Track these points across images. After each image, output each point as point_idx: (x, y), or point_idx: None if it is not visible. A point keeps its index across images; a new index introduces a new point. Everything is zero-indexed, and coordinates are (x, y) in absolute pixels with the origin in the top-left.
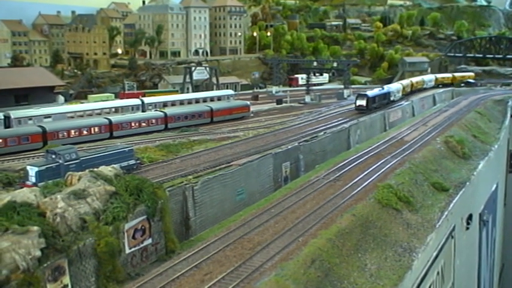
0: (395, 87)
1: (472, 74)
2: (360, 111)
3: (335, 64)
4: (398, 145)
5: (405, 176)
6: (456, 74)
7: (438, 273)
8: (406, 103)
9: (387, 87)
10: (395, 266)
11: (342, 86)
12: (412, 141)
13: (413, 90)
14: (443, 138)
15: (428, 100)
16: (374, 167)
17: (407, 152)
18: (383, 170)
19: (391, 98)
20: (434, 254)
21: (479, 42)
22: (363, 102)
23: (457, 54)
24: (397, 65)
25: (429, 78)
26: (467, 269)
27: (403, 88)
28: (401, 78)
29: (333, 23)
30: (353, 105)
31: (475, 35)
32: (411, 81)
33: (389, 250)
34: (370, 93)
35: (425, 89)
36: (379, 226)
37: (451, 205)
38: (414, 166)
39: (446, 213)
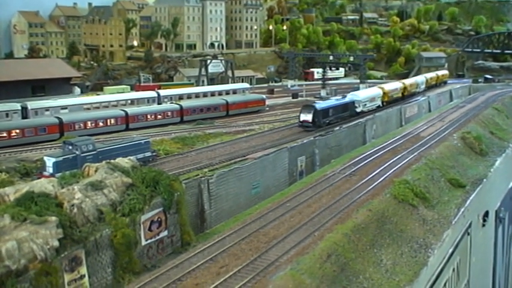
0: (365, 94)
1: (446, 72)
2: (305, 128)
3: (351, 58)
4: (414, 140)
5: (421, 171)
6: (439, 73)
7: (454, 270)
8: (423, 98)
9: (351, 95)
10: (411, 262)
11: (358, 81)
12: (428, 137)
13: (406, 95)
14: (460, 134)
15: (445, 96)
16: (390, 162)
17: (423, 148)
18: (399, 165)
19: (357, 109)
20: (450, 250)
21: (498, 37)
22: (308, 117)
23: (474, 50)
24: (414, 60)
25: (421, 79)
26: (483, 266)
27: (384, 94)
28: (418, 73)
29: (350, 17)
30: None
31: (494, 31)
32: (404, 83)
33: (405, 246)
34: (321, 104)
35: (417, 94)
36: (395, 222)
37: (468, 202)
38: (431, 162)
39: (462, 209)
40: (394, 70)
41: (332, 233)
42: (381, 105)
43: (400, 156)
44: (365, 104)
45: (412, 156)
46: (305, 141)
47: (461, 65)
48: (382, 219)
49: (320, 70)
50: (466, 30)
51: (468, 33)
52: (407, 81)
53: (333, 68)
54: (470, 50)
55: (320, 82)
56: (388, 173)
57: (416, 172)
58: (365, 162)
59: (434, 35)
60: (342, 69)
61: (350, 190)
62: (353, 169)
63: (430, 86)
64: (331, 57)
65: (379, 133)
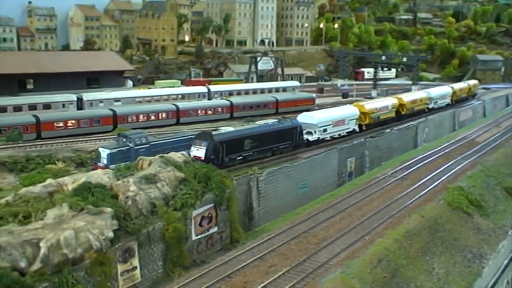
0: (326, 116)
1: (476, 81)
2: None
3: (404, 59)
4: (469, 146)
5: (477, 178)
6: (471, 83)
7: (508, 282)
8: (478, 103)
9: (302, 117)
10: (464, 272)
11: (410, 82)
12: (484, 143)
13: (406, 114)
14: None
15: (501, 100)
16: (443, 167)
17: (478, 154)
18: (453, 171)
19: (310, 137)
20: (505, 262)
21: None
22: (200, 152)
23: None
24: (469, 63)
25: (439, 92)
26: None
27: (364, 115)
28: (472, 76)
29: (403, 16)
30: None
31: None
32: (399, 99)
33: (459, 255)
34: (227, 132)
35: (432, 110)
36: (449, 229)
37: None
38: (486, 169)
39: None
40: (447, 72)
41: (383, 237)
42: (357, 129)
43: (453, 161)
44: (325, 130)
45: (467, 162)
46: (355, 142)
47: None
48: (434, 226)
49: (371, 70)
50: None
51: None
52: (407, 97)
53: (384, 68)
54: None
55: (370, 82)
56: (441, 179)
57: (471, 179)
58: (417, 166)
59: (491, 37)
60: (393, 70)
61: (401, 194)
62: (404, 173)
63: (458, 100)
64: (383, 57)
65: (431, 137)
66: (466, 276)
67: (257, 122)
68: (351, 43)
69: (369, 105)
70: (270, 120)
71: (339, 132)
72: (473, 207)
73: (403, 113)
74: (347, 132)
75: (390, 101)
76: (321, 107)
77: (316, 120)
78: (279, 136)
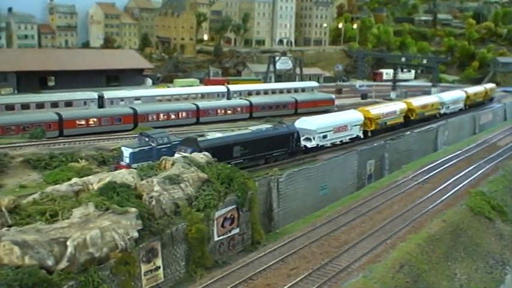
0: (327, 121)
1: (493, 85)
2: None
3: (424, 61)
4: (490, 150)
5: (499, 183)
6: (487, 87)
7: None
8: (498, 105)
9: (301, 122)
10: (486, 278)
11: (429, 84)
12: (506, 147)
13: (415, 119)
14: None
15: None
16: (465, 171)
17: (500, 158)
18: (475, 175)
19: (308, 144)
20: None
21: None
22: None
23: None
24: (489, 65)
25: (452, 97)
26: None
27: (369, 120)
28: (492, 79)
29: (422, 17)
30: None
31: None
32: (408, 103)
33: (481, 261)
34: (213, 138)
35: (444, 116)
36: (471, 235)
37: None
38: (508, 174)
39: None
40: (466, 74)
41: (405, 242)
42: (362, 136)
43: (475, 165)
44: (324, 136)
45: (489, 166)
46: (375, 144)
47: None
48: (456, 231)
49: (389, 71)
50: None
51: None
52: (417, 102)
53: (403, 70)
54: None
55: (389, 83)
56: (463, 183)
57: (493, 184)
58: (438, 170)
59: None
60: (412, 71)
61: (423, 198)
62: (425, 176)
63: (473, 105)
64: (403, 59)
65: (451, 140)
66: (489, 282)
67: (250, 128)
68: (370, 43)
69: (375, 110)
70: (264, 126)
71: (340, 139)
72: (495, 213)
73: (412, 118)
74: (350, 139)
75: (398, 106)
76: (340, 108)
77: (315, 125)
78: (273, 143)
